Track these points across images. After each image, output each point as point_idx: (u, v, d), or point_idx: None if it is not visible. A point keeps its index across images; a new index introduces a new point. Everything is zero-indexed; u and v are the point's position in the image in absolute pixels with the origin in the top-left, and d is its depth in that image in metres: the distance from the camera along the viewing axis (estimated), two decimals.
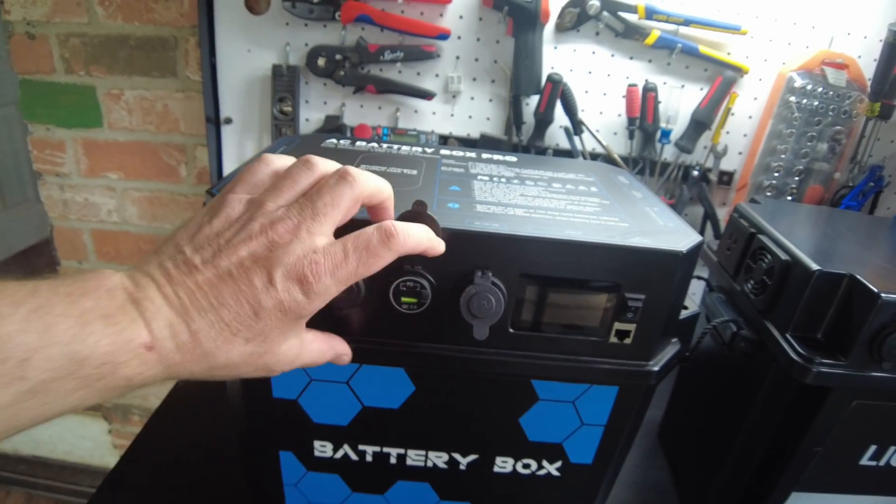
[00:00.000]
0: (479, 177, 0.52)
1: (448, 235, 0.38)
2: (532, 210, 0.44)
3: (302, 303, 0.33)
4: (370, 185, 0.36)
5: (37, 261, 2.13)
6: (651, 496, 0.72)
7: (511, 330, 0.42)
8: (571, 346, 0.43)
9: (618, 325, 0.43)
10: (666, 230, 0.44)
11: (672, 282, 0.42)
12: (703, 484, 0.65)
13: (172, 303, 0.31)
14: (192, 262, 0.32)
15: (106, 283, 0.30)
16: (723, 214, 0.99)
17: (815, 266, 0.48)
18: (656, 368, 0.45)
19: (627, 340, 0.43)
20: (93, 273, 0.31)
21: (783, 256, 0.52)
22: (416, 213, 0.38)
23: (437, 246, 0.37)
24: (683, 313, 0.49)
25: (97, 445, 1.72)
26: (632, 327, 0.43)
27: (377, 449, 0.50)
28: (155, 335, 0.30)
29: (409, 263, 0.39)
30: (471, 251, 0.39)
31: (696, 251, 0.43)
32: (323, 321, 0.38)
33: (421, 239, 0.36)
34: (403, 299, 0.40)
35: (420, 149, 0.61)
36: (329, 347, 0.39)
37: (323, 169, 0.37)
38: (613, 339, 0.43)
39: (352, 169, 0.36)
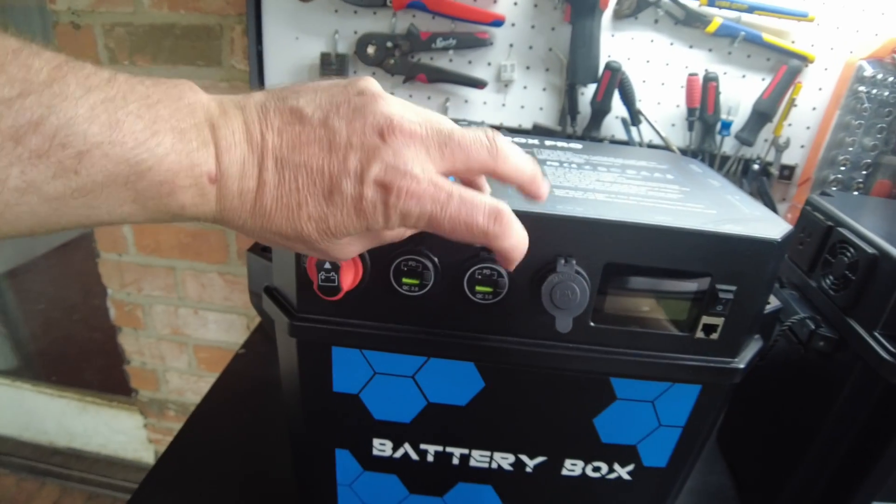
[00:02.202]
0: (547, 162, 0.49)
1: (528, 220, 0.36)
2: (613, 195, 0.42)
3: (379, 210, 0.29)
4: (521, 163, 0.32)
5: (76, 254, 2.16)
6: (713, 502, 0.68)
7: (592, 323, 0.40)
8: (655, 341, 0.41)
9: (705, 319, 0.40)
10: (754, 218, 0.41)
11: (765, 272, 0.39)
12: (771, 491, 0.62)
13: (253, 142, 0.29)
14: (298, 110, 0.30)
15: (189, 96, 0.28)
16: (782, 210, 0.95)
17: None
18: (742, 366, 0.42)
19: (714, 335, 0.41)
20: (177, 81, 0.28)
21: (869, 250, 0.49)
22: None
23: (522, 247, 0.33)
24: (766, 308, 0.46)
25: (131, 439, 1.74)
26: (720, 321, 0.40)
27: (439, 448, 0.48)
28: (222, 169, 0.28)
29: (487, 250, 0.37)
30: (553, 237, 0.37)
31: (788, 240, 0.40)
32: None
33: (520, 244, 0.32)
34: (478, 288, 0.38)
35: None
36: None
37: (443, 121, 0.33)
38: (700, 335, 0.40)
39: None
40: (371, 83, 0.32)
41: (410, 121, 0.30)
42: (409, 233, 0.36)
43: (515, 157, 0.32)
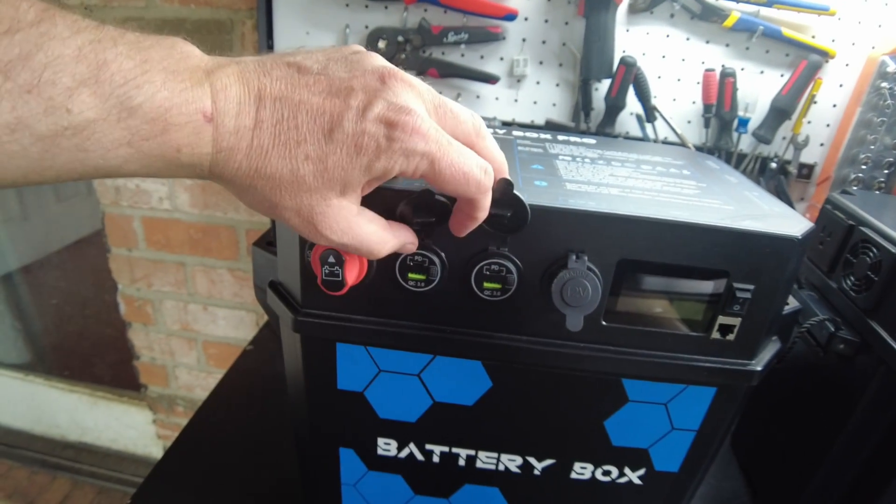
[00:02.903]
0: (560, 157, 0.48)
1: (539, 214, 0.35)
2: (627, 190, 0.40)
3: (382, 146, 0.29)
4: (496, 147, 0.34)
5: (89, 251, 2.17)
6: None
7: (604, 322, 0.38)
8: (669, 341, 0.39)
9: (722, 320, 0.38)
10: (773, 214, 0.40)
11: (784, 271, 0.37)
12: (787, 499, 0.60)
13: (249, 82, 0.28)
14: (297, 63, 0.30)
15: (182, 46, 0.28)
16: (801, 210, 0.93)
17: None
18: (759, 368, 0.41)
19: (730, 336, 0.39)
20: (172, 37, 0.28)
21: (893, 250, 0.47)
22: (503, 192, 0.34)
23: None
24: (785, 309, 0.44)
25: (141, 435, 1.74)
26: (736, 322, 0.39)
27: (445, 449, 0.46)
28: (218, 107, 0.27)
29: (496, 244, 0.36)
30: (564, 232, 0.36)
31: (809, 237, 0.38)
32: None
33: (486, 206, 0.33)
34: (486, 284, 0.37)
35: (491, 129, 0.57)
36: (391, 235, 0.34)
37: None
38: (715, 335, 0.39)
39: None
40: (364, 49, 0.32)
41: (407, 74, 0.31)
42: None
43: (492, 140, 0.34)
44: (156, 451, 1.75)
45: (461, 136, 0.32)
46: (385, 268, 0.37)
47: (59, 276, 2.22)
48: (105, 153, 0.26)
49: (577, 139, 0.57)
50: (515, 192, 0.34)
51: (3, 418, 1.90)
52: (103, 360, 1.81)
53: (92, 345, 1.91)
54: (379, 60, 0.31)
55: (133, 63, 0.25)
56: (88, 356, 1.89)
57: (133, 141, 0.26)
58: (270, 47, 0.97)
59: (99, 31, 0.25)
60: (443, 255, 0.37)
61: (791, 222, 0.38)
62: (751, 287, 0.37)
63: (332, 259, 0.35)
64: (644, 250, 0.36)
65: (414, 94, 0.30)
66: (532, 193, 0.37)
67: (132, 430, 1.75)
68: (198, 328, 1.41)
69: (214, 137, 0.28)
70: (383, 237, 0.33)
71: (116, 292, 1.41)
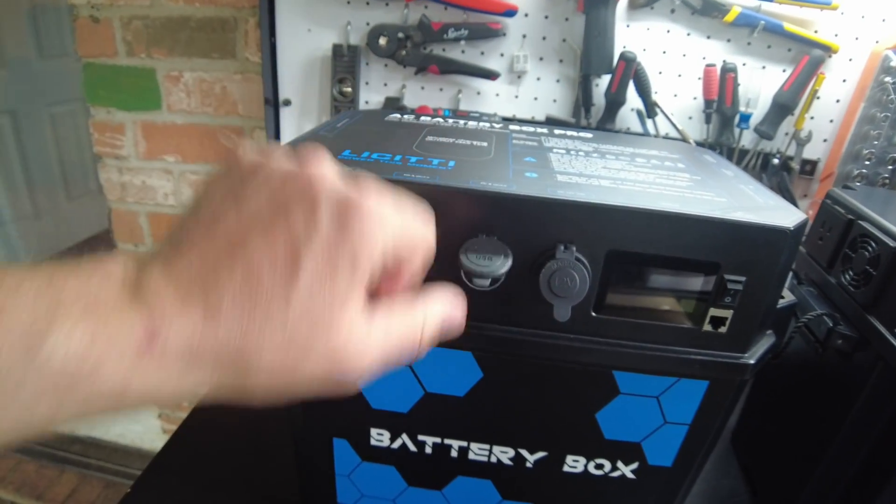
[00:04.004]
0: (554, 150, 0.48)
1: (527, 204, 0.35)
2: (619, 182, 0.40)
3: (357, 242, 0.25)
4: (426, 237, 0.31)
5: (98, 248, 2.19)
6: None
7: (594, 314, 0.38)
8: (660, 334, 0.39)
9: (713, 312, 0.38)
10: (767, 206, 0.39)
11: (777, 263, 0.37)
12: (787, 496, 0.60)
13: (181, 276, 0.24)
14: (207, 216, 0.26)
15: (102, 267, 0.24)
16: (803, 207, 0.92)
17: None
18: (752, 361, 0.40)
19: (722, 329, 0.39)
20: (95, 258, 0.24)
21: (892, 244, 0.46)
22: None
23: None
24: (780, 303, 0.44)
25: (147, 429, 1.76)
26: (728, 314, 0.38)
27: (437, 440, 0.47)
28: (156, 322, 0.23)
29: (484, 234, 0.36)
30: (553, 223, 0.35)
31: (802, 229, 0.38)
32: None
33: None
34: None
35: (487, 123, 0.57)
36: (421, 316, 0.30)
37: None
38: (707, 327, 0.39)
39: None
40: (232, 158, 0.28)
41: (323, 163, 0.28)
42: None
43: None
44: (161, 445, 1.76)
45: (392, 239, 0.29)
46: None
47: None
48: (24, 410, 0.21)
49: (574, 133, 0.56)
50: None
51: None
52: None
53: None
54: (283, 164, 0.27)
55: (38, 304, 0.21)
56: None
57: (54, 391, 0.21)
58: (273, 45, 0.97)
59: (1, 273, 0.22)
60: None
61: (784, 214, 0.38)
62: (742, 279, 0.37)
63: None
64: (633, 241, 0.36)
65: (338, 178, 0.27)
66: (522, 184, 0.37)
67: (138, 424, 1.77)
68: None
69: (162, 361, 0.23)
70: (410, 331, 0.30)
71: None
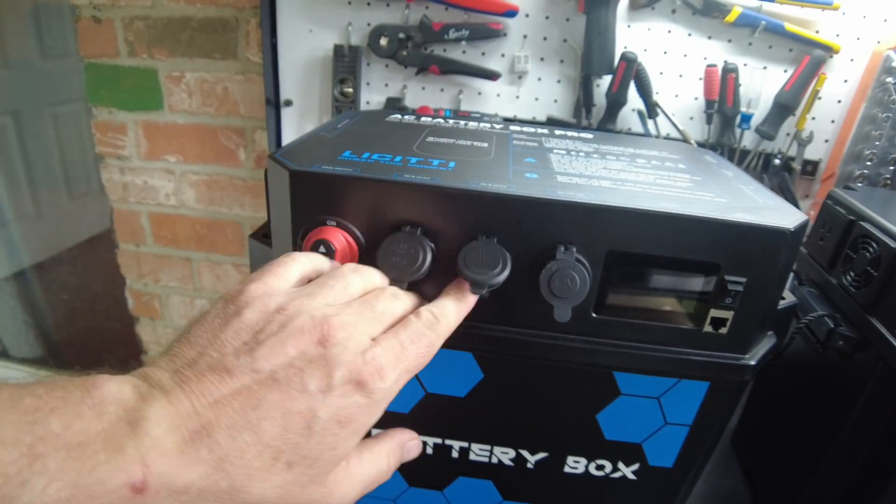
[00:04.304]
0: (555, 150, 0.48)
1: (527, 205, 0.35)
2: (619, 182, 0.40)
3: (364, 408, 0.27)
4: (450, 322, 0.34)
5: (100, 247, 2.19)
6: None
7: (594, 314, 0.38)
8: (660, 334, 0.39)
9: (714, 313, 0.38)
10: (767, 207, 0.40)
11: (777, 264, 0.37)
12: (788, 497, 0.60)
13: (188, 422, 0.23)
14: (221, 366, 0.25)
15: (97, 395, 0.22)
16: (805, 207, 0.92)
17: None
18: (752, 363, 0.40)
19: (723, 330, 0.39)
20: (86, 379, 0.23)
21: (893, 244, 0.46)
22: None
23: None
24: (781, 303, 0.44)
25: None
26: (728, 315, 0.38)
27: (438, 441, 0.47)
28: (152, 470, 0.22)
29: (484, 235, 0.36)
30: (552, 224, 0.36)
31: (802, 230, 0.38)
32: None
33: (459, 315, 0.34)
34: None
35: (488, 124, 0.57)
36: (390, 449, 0.34)
37: (374, 276, 0.34)
38: (707, 328, 0.39)
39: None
40: (248, 289, 0.30)
41: (341, 312, 0.29)
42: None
43: (449, 318, 0.34)
44: None
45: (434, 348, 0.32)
46: (373, 256, 0.37)
47: (71, 272, 2.25)
48: None
49: (575, 134, 0.56)
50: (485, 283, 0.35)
51: None
52: (113, 356, 1.83)
53: (102, 339, 1.93)
54: (302, 317, 0.27)
55: (16, 453, 0.20)
56: (98, 351, 1.91)
57: None
58: (274, 45, 0.97)
59: None
60: (431, 244, 0.37)
61: (784, 215, 0.38)
62: (743, 280, 0.37)
63: (322, 249, 0.35)
64: (633, 242, 0.36)
65: (353, 329, 0.28)
66: (522, 185, 0.37)
67: None
68: None
69: (156, 502, 0.22)
70: (381, 460, 0.34)
71: (125, 288, 1.42)
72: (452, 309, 0.34)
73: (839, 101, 0.87)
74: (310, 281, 0.32)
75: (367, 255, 0.37)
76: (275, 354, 0.26)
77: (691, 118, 0.90)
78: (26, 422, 0.20)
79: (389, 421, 0.45)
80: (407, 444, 0.36)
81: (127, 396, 0.23)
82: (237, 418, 0.24)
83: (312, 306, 0.28)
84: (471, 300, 0.35)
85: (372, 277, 0.33)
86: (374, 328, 0.30)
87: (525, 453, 0.46)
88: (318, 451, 0.26)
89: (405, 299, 0.34)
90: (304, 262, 0.33)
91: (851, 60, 0.85)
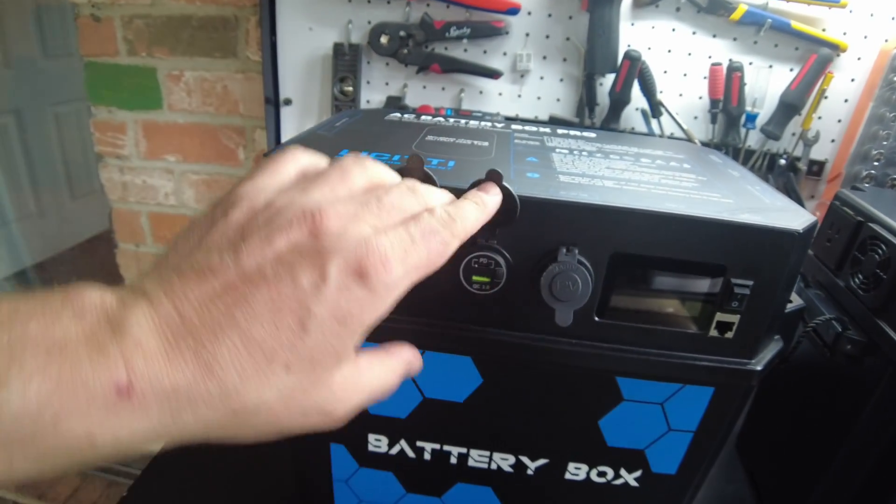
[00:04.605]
0: (557, 150, 0.47)
1: (528, 206, 0.34)
2: (623, 182, 0.39)
3: (366, 304, 0.24)
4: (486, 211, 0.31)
5: (101, 247, 2.19)
6: None
7: (597, 318, 0.37)
8: (664, 339, 0.38)
9: (719, 316, 0.37)
10: (774, 208, 0.38)
11: (785, 266, 0.36)
12: (794, 503, 0.59)
13: (171, 324, 0.22)
14: (204, 265, 0.24)
15: (77, 301, 0.22)
16: (811, 208, 0.91)
17: None
18: (759, 368, 0.39)
19: (729, 334, 0.38)
20: (68, 288, 0.22)
21: None
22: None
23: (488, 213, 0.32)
24: (787, 307, 0.43)
25: None
26: (735, 319, 0.37)
27: (436, 446, 0.46)
28: (136, 372, 0.21)
29: (484, 237, 0.35)
30: (555, 225, 0.35)
31: (811, 231, 0.37)
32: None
33: (478, 221, 0.30)
34: (475, 278, 0.36)
35: (489, 123, 0.56)
36: (396, 364, 0.31)
37: (383, 171, 0.30)
38: (713, 333, 0.38)
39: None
40: (237, 190, 0.27)
41: (339, 202, 0.26)
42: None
43: (468, 220, 0.30)
44: (161, 446, 1.77)
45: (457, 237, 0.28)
46: None
47: (71, 271, 2.25)
48: None
49: (577, 133, 0.55)
50: (505, 183, 0.33)
51: None
52: None
53: None
54: (293, 207, 0.25)
55: None
56: None
57: (7, 444, 0.19)
58: (273, 44, 0.97)
59: None
60: None
61: (792, 216, 0.37)
62: (749, 283, 0.36)
63: None
64: (638, 244, 0.35)
65: (354, 219, 0.25)
66: (523, 185, 0.36)
67: None
68: None
69: (145, 410, 0.21)
70: (388, 372, 0.30)
71: None
72: (472, 212, 0.30)
73: (846, 101, 0.86)
74: None
75: None
76: (261, 249, 0.24)
77: (695, 117, 0.89)
78: (9, 319, 0.20)
79: (385, 426, 0.45)
80: (411, 360, 0.33)
81: (108, 302, 0.22)
82: (222, 319, 0.22)
83: (305, 198, 0.26)
84: (491, 208, 0.32)
85: (380, 172, 0.30)
86: (380, 220, 0.26)
87: (525, 460, 0.45)
88: (316, 352, 0.24)
89: (424, 195, 0.29)
90: (303, 159, 0.30)
91: (858, 59, 0.84)
